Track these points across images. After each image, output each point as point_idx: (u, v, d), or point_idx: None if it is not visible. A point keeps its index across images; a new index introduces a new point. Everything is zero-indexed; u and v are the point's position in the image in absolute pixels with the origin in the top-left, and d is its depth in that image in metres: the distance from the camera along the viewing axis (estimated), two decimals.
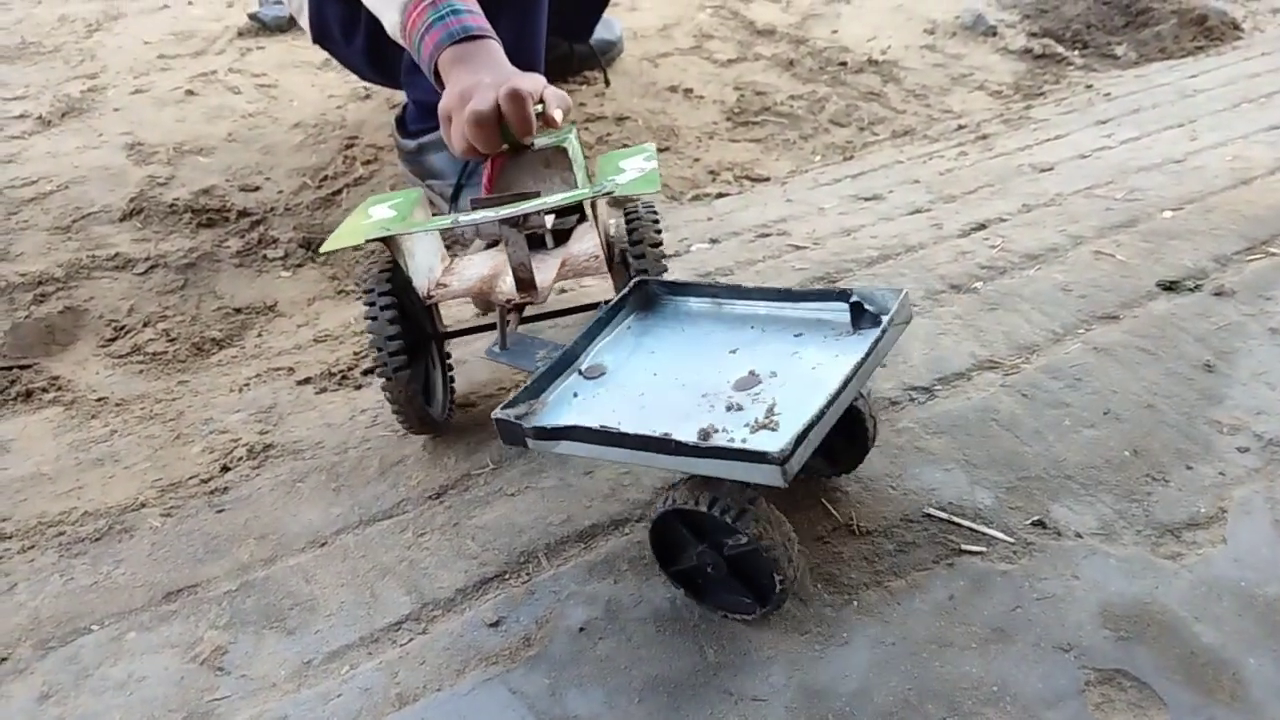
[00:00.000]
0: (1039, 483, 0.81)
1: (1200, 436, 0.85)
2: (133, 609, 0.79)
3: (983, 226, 1.32)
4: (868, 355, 0.66)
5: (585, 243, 0.95)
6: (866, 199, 1.54)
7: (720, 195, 1.75)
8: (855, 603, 0.71)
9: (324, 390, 1.14)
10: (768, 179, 1.83)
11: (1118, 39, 2.61)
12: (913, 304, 0.72)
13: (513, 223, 0.83)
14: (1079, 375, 0.94)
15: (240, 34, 2.49)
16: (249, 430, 1.07)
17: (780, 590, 0.67)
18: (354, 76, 2.24)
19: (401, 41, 1.09)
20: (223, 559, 0.83)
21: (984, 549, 0.75)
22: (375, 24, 1.23)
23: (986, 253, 1.23)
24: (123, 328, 1.47)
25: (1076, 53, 2.54)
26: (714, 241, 1.45)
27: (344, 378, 1.17)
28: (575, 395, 0.74)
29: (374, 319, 0.87)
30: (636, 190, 0.82)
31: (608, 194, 0.83)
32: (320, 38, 1.75)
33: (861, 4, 2.67)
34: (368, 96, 2.17)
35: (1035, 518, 0.77)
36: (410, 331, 0.91)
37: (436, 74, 1.01)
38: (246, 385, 1.21)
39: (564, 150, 0.97)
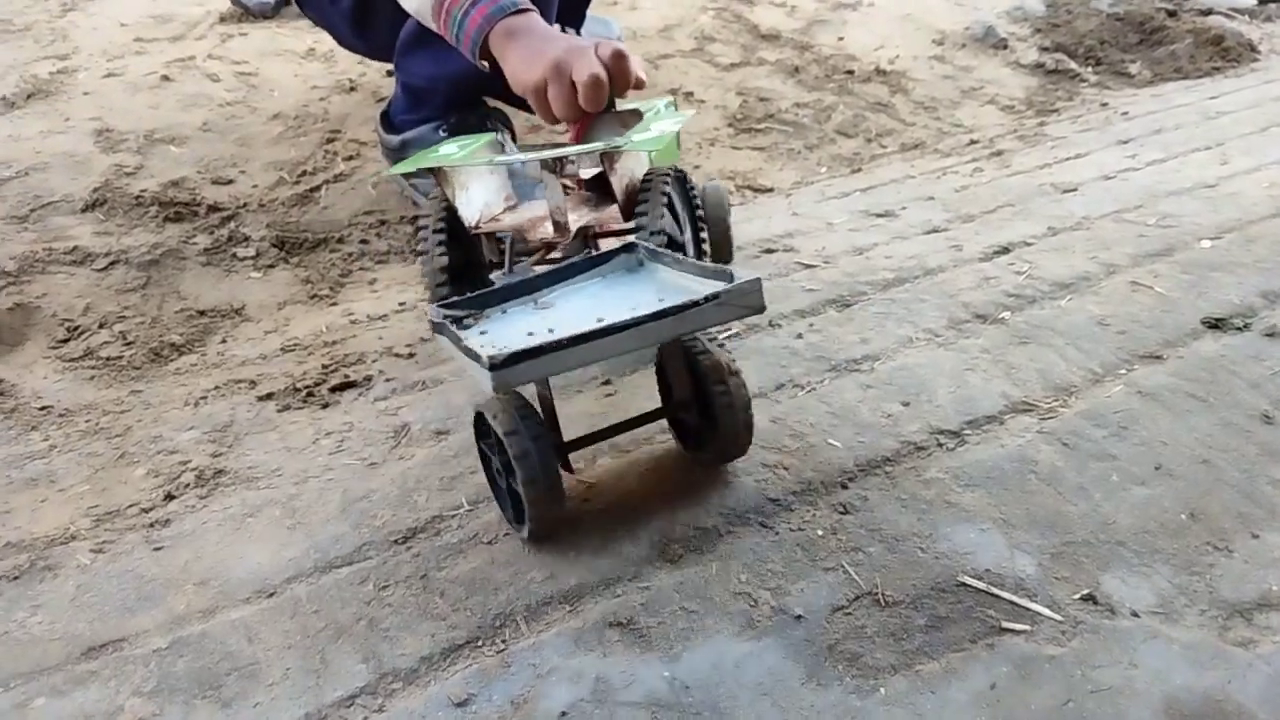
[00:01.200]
0: (1087, 549, 0.71)
1: (1264, 499, 0.76)
2: (45, 668, 0.68)
3: (1006, 250, 1.23)
4: (656, 316, 0.65)
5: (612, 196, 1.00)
6: (878, 215, 1.45)
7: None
8: (882, 690, 0.61)
9: (287, 408, 1.04)
10: (771, 190, 1.73)
11: (1131, 56, 2.53)
12: (763, 297, 0.70)
13: (549, 167, 0.93)
14: (1124, 423, 0.84)
15: (222, 19, 2.37)
16: (200, 452, 0.96)
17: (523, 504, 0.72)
18: (338, 66, 2.14)
19: (430, 19, 1.08)
20: (155, 608, 0.73)
21: (1028, 627, 0.65)
22: None
23: (1013, 279, 1.13)
24: (77, 328, 1.36)
25: (1090, 69, 2.46)
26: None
27: (310, 394, 1.07)
28: (504, 313, 0.78)
29: (425, 240, 0.98)
30: (644, 148, 0.90)
31: (617, 148, 0.90)
32: None
33: (869, 11, 2.59)
34: (353, 88, 2.06)
35: (1085, 591, 0.68)
36: (458, 258, 1.00)
37: (484, 48, 1.03)
38: (203, 399, 1.11)
39: (637, 113, 1.05)
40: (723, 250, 1.24)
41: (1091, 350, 0.96)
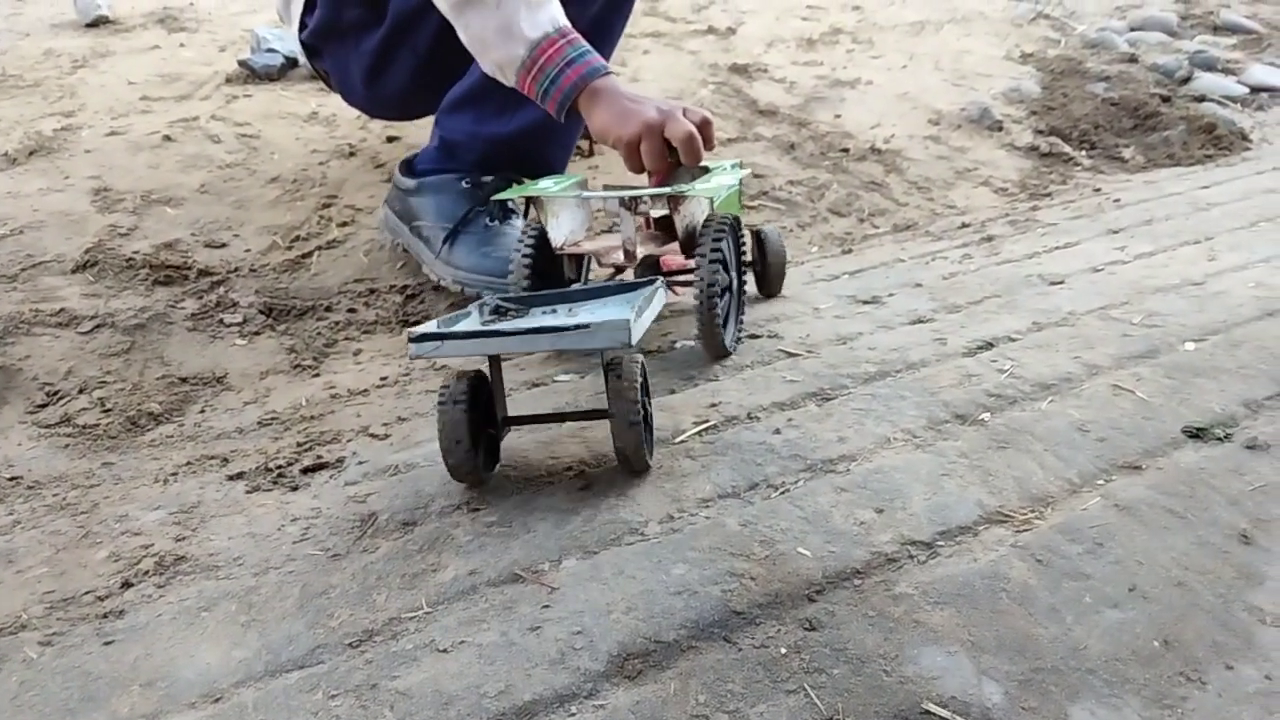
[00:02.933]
0: (1056, 676, 0.70)
1: (1239, 626, 0.74)
2: None
3: (990, 345, 1.23)
4: (533, 330, 0.87)
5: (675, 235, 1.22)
6: (865, 301, 1.45)
7: None
8: None
9: (256, 489, 1.03)
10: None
11: (1125, 141, 2.56)
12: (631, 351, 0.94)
13: (624, 204, 1.17)
14: (1100, 539, 0.83)
15: (229, 80, 2.41)
16: (164, 535, 0.95)
17: None
18: (339, 130, 2.16)
19: (512, 76, 1.25)
20: (98, 710, 0.71)
21: None
22: (396, 29, 1.57)
23: (995, 377, 1.13)
24: (56, 393, 1.35)
25: (1084, 153, 2.48)
26: (696, 339, 1.35)
27: (281, 475, 1.06)
28: (543, 311, 1.05)
29: (517, 251, 1.21)
30: (705, 194, 1.15)
31: (682, 193, 1.13)
32: (320, 35, 1.67)
33: (866, 90, 2.62)
34: (352, 153, 2.08)
35: None
36: (541, 269, 1.22)
37: (573, 105, 1.22)
38: (174, 475, 1.09)
39: (706, 169, 1.29)
40: (774, 283, 1.48)
41: (1070, 458, 0.95)
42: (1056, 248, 1.67)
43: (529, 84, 1.24)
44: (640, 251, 1.20)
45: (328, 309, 1.61)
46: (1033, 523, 0.86)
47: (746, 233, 1.32)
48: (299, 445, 1.13)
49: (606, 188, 1.32)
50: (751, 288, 1.46)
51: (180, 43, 2.67)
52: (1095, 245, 1.66)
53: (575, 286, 1.17)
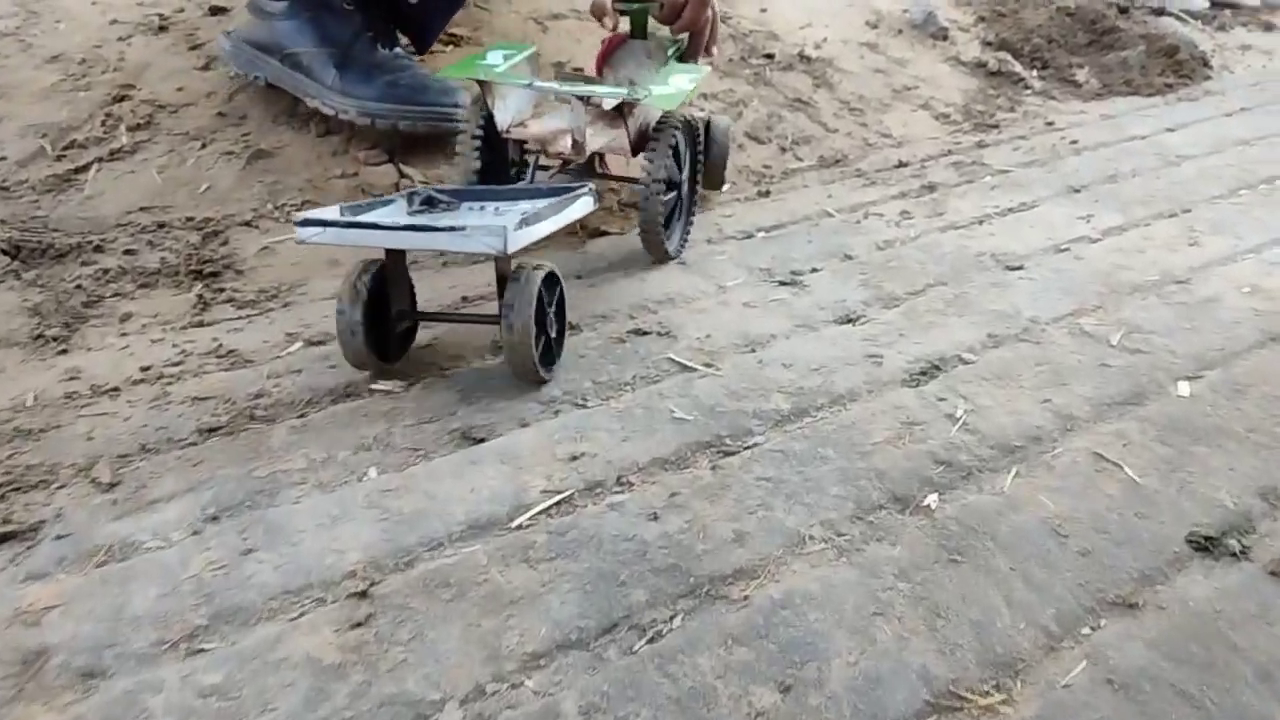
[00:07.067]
0: None
1: None
2: None
3: (937, 370, 0.96)
4: (409, 228, 0.85)
5: (624, 131, 1.15)
6: (782, 282, 1.16)
7: (598, 233, 1.34)
8: None
9: None
10: None
11: (1079, 60, 2.27)
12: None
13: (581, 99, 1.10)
14: None
15: None
16: None
17: None
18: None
19: None
20: None
21: None
22: None
23: (943, 428, 0.86)
24: None
25: (1035, 73, 2.19)
26: (572, 329, 1.05)
27: None
28: (471, 208, 0.99)
29: (463, 141, 1.14)
30: (656, 105, 1.08)
31: (636, 102, 1.08)
32: None
33: None
34: (163, 28, 1.64)
35: None
36: (489, 150, 1.16)
37: None
38: None
39: (662, 45, 1.26)
40: (715, 175, 1.43)
41: (1045, 586, 0.70)
42: (1010, 209, 1.40)
43: None
44: (589, 143, 1.13)
45: (97, 249, 1.24)
46: (997, 710, 0.60)
47: (700, 131, 1.25)
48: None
49: (557, 68, 1.29)
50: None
51: None
52: (1055, 210, 1.39)
53: (516, 185, 1.14)
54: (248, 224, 1.30)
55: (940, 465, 0.81)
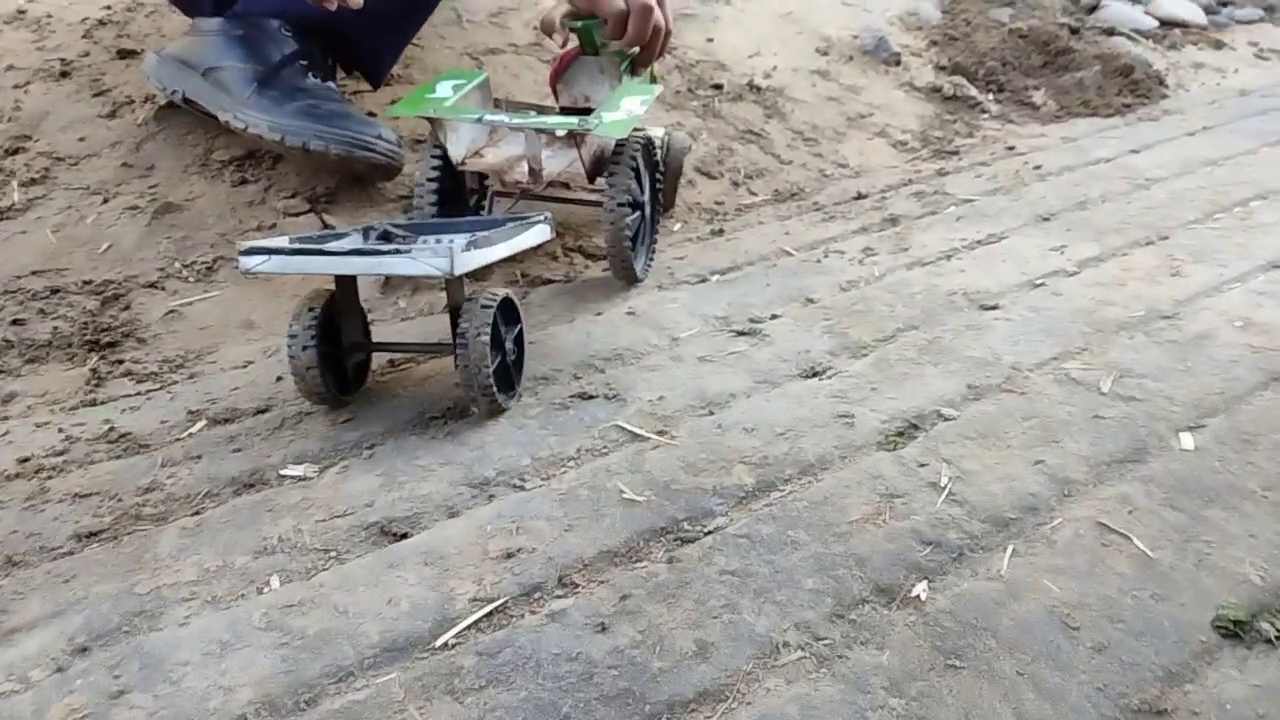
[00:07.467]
0: None
1: None
2: None
3: (915, 429, 0.86)
4: (356, 252, 0.82)
5: (578, 159, 1.13)
6: (740, 332, 1.06)
7: (539, 281, 1.24)
8: None
9: None
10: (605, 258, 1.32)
11: (1035, 82, 2.22)
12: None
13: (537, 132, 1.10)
14: None
15: None
16: None
17: None
18: (53, 40, 1.59)
19: None
20: None
21: None
22: None
23: (927, 500, 0.76)
24: None
25: (991, 97, 2.13)
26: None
27: None
28: (425, 241, 0.99)
29: (423, 164, 1.14)
30: (605, 133, 1.05)
31: (587, 131, 1.05)
32: None
33: (743, 7, 2.18)
34: (65, 74, 1.52)
35: None
36: (447, 184, 1.15)
37: None
38: None
39: (615, 64, 1.22)
40: (667, 197, 1.43)
41: (1058, 692, 0.60)
42: (978, 241, 1.32)
43: None
44: (546, 171, 1.13)
45: None
46: None
47: (658, 150, 1.24)
48: None
49: (508, 103, 1.26)
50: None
51: None
52: (1026, 242, 1.31)
53: (474, 218, 1.13)
54: (152, 285, 1.18)
55: (927, 546, 0.71)
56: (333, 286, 0.92)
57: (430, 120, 1.12)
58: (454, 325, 0.87)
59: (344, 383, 0.94)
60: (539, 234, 0.99)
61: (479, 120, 1.11)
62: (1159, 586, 0.68)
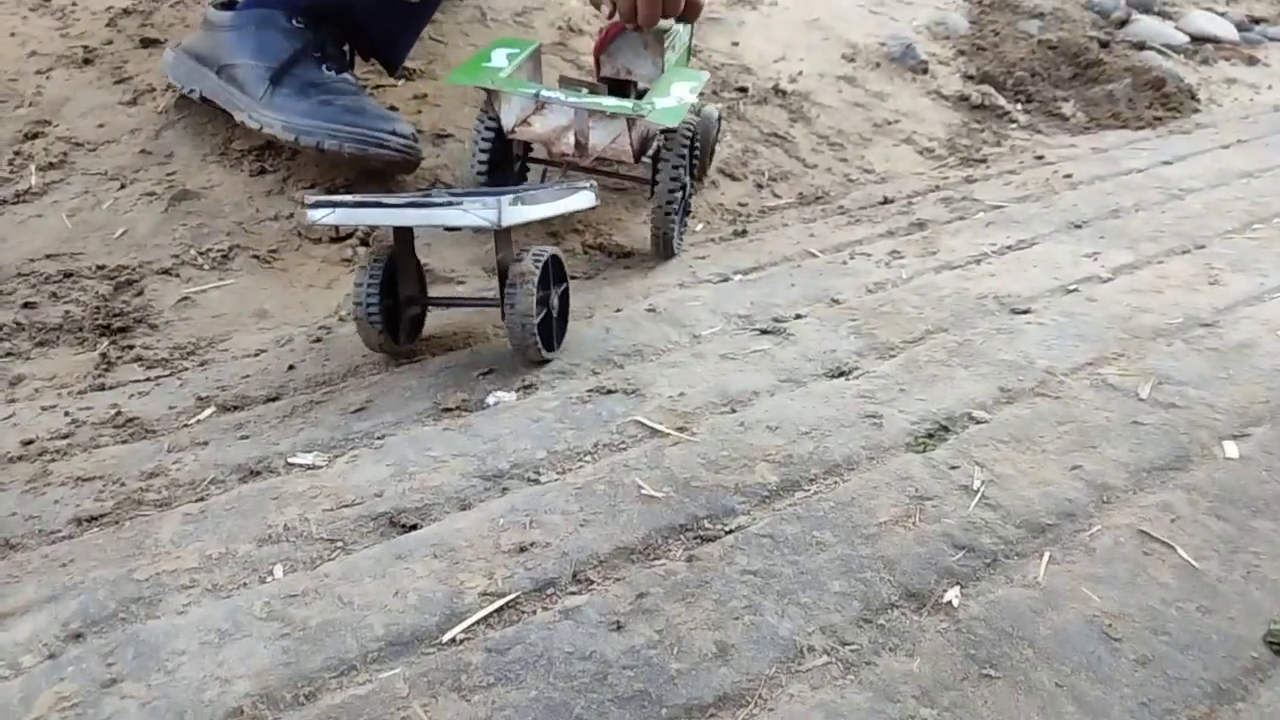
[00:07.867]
0: None
1: None
2: None
3: (945, 431, 0.83)
4: (410, 204, 0.87)
5: (626, 137, 1.14)
6: (763, 330, 1.03)
7: None
8: None
9: None
10: (630, 254, 1.30)
11: (1064, 94, 2.19)
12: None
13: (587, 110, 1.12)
14: None
15: None
16: None
17: None
18: (76, 28, 1.58)
19: None
20: None
21: None
22: None
23: (959, 503, 0.73)
24: None
25: (1019, 107, 2.10)
26: (525, 390, 0.91)
27: None
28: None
29: (476, 130, 1.17)
30: (658, 120, 1.08)
31: (640, 116, 1.08)
32: None
33: (771, 13, 2.16)
34: (88, 60, 1.51)
35: None
36: (497, 152, 1.19)
37: None
38: None
39: (659, 37, 1.22)
40: (703, 168, 1.48)
41: (1100, 707, 0.56)
42: (1008, 247, 1.28)
43: None
44: (593, 146, 1.14)
45: None
46: None
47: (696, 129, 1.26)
48: None
49: (563, 80, 1.28)
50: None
51: None
52: (1057, 247, 1.28)
53: (524, 185, 1.18)
54: (166, 272, 1.16)
55: (959, 550, 0.68)
56: (392, 243, 0.97)
57: (486, 91, 1.14)
58: (501, 280, 0.92)
59: (398, 334, 1.00)
60: (583, 199, 1.03)
61: (535, 96, 1.13)
62: (1206, 598, 0.64)
